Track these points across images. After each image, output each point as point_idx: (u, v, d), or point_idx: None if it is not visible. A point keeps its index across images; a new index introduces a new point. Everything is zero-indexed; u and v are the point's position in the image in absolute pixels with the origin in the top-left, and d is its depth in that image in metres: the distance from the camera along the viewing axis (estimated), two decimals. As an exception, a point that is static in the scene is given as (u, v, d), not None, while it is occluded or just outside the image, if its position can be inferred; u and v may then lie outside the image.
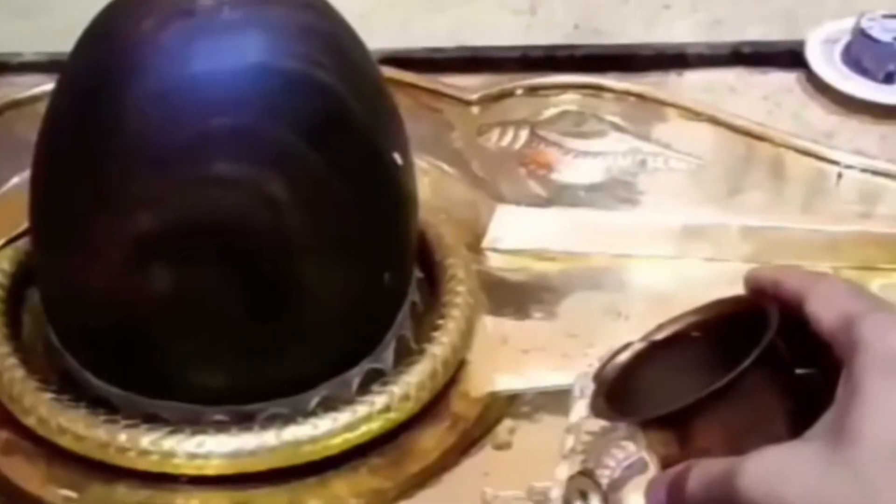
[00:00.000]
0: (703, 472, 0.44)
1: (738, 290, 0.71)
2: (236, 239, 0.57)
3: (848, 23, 0.88)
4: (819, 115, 0.85)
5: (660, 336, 0.53)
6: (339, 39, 0.60)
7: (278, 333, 0.60)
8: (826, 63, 0.87)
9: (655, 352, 0.53)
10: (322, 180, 0.58)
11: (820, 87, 0.86)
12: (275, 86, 0.57)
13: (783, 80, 0.88)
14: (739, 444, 0.45)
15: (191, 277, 0.58)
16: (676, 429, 0.48)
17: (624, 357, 0.53)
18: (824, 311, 0.46)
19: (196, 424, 0.60)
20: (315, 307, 0.60)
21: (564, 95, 0.84)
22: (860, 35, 0.86)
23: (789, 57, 0.88)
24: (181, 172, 0.57)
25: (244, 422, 0.60)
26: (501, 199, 0.76)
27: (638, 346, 0.54)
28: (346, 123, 0.59)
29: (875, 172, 0.79)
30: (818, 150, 0.79)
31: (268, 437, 0.60)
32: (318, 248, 0.59)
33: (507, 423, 0.63)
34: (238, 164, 0.57)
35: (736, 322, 0.51)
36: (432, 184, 0.76)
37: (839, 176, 0.78)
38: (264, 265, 0.58)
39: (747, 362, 0.46)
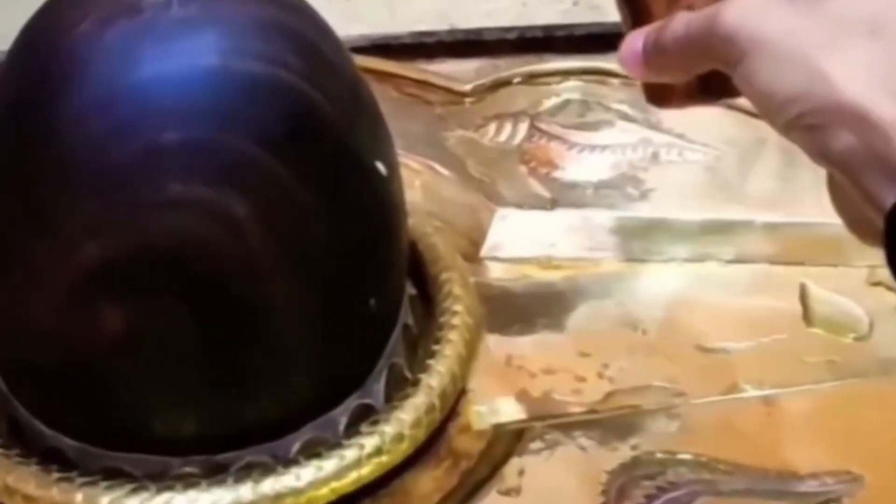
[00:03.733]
0: (685, 16, 0.43)
1: (767, 294, 0.65)
2: (195, 268, 0.51)
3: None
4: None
5: None
6: (307, 36, 0.53)
7: (249, 372, 0.53)
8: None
9: None
10: (292, 198, 0.51)
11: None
12: (234, 91, 0.51)
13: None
14: None
15: (144, 312, 0.51)
16: None
17: None
18: None
19: (162, 479, 0.53)
20: (290, 341, 0.53)
21: (566, 83, 0.78)
22: None
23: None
24: (129, 193, 0.50)
25: (217, 474, 0.54)
26: (500, 201, 0.70)
27: None
28: (318, 131, 0.52)
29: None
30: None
31: (244, 492, 0.53)
32: (290, 274, 0.52)
33: (515, 463, 0.56)
34: (194, 182, 0.50)
35: None
36: (424, 186, 0.70)
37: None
38: (228, 296, 0.52)
39: None
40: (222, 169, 0.50)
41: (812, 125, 0.39)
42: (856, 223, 0.42)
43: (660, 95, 0.48)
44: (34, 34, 0.53)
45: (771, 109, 0.41)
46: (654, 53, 0.44)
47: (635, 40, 0.45)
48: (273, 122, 0.51)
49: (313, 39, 0.54)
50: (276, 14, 0.53)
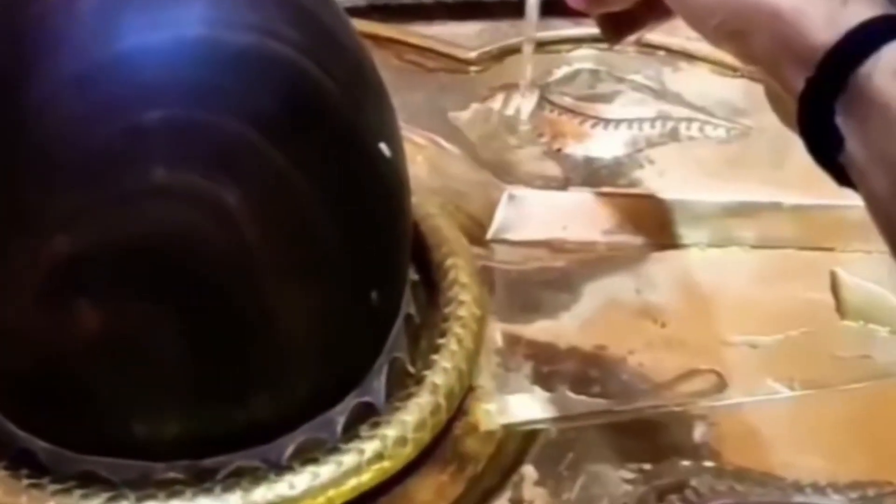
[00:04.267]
0: None
1: (795, 283, 0.61)
2: (180, 261, 0.46)
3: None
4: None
5: None
6: (305, 4, 0.49)
7: (239, 372, 0.49)
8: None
9: None
10: (288, 185, 0.47)
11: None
12: (224, 66, 0.46)
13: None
14: None
15: (125, 309, 0.47)
16: None
17: None
18: None
19: (143, 486, 0.49)
20: (284, 338, 0.49)
21: (578, 51, 0.74)
22: None
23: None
24: (108, 180, 0.45)
25: (203, 481, 0.50)
26: (509, 179, 0.66)
27: None
28: (317, 110, 0.48)
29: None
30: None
31: (232, 501, 0.49)
32: (286, 267, 0.48)
33: (527, 471, 0.52)
34: (180, 167, 0.46)
35: None
36: (427, 163, 0.67)
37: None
38: (217, 292, 0.47)
39: None
40: (211, 152, 0.46)
41: (734, 31, 0.43)
42: (792, 122, 0.44)
43: (612, 29, 0.53)
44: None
45: (698, 20, 0.45)
46: None
47: None
48: (267, 100, 0.46)
49: (312, 8, 0.50)
50: (271, -20, 0.48)
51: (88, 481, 0.50)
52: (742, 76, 0.71)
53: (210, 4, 0.47)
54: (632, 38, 0.53)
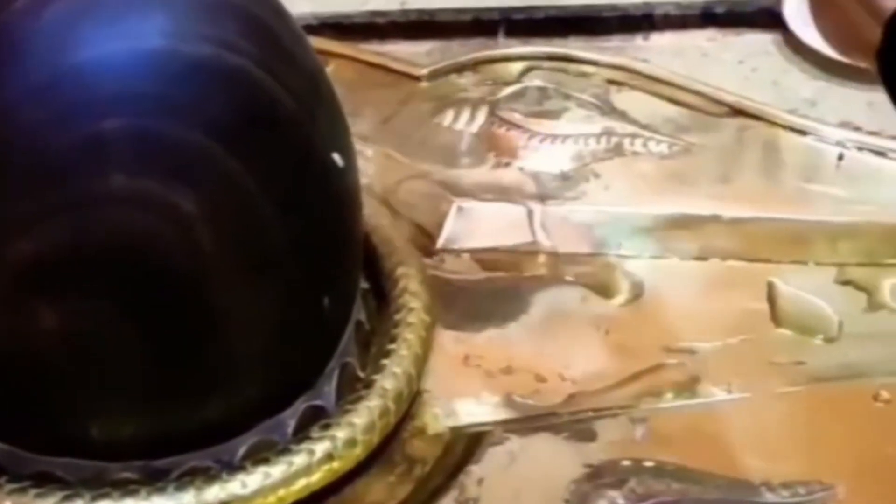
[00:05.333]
0: None
1: (734, 292, 0.63)
2: (137, 266, 0.48)
3: (829, -24, 0.80)
4: (800, 81, 0.77)
5: None
6: (262, 18, 0.51)
7: (193, 374, 0.51)
8: (805, 23, 0.79)
9: None
10: (243, 192, 0.49)
11: (800, 50, 0.78)
12: (180, 76, 0.48)
13: (760, 42, 0.80)
14: None
15: (82, 312, 0.49)
16: None
17: None
18: None
19: (98, 486, 0.51)
20: (237, 341, 0.51)
21: (525, 68, 0.75)
22: None
23: (766, 16, 0.80)
24: (68, 186, 0.47)
25: (157, 480, 0.51)
26: (458, 191, 0.67)
27: None
28: (270, 120, 0.50)
29: (877, 152, 0.69)
30: (815, 127, 0.70)
31: (186, 499, 0.51)
32: (240, 273, 0.50)
33: (473, 471, 0.54)
34: (138, 174, 0.47)
35: None
36: (379, 175, 0.68)
37: (840, 158, 0.69)
38: (173, 296, 0.49)
39: None
40: (168, 160, 0.48)
41: None
42: (839, 39, 0.43)
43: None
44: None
45: None
46: None
47: None
48: (223, 109, 0.48)
49: (268, 22, 0.51)
50: (227, -7, 0.50)
51: (44, 481, 0.51)
52: (684, 95, 0.73)
53: (168, 17, 0.48)
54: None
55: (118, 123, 0.47)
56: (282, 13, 0.52)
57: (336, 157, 0.52)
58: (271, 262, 0.50)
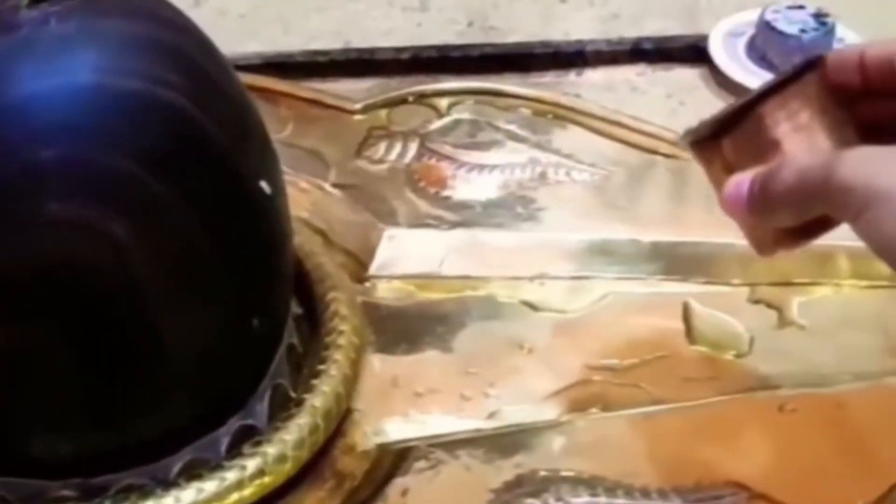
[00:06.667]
0: (797, 165, 0.45)
1: (652, 313, 0.66)
2: (71, 288, 0.50)
3: (752, 15, 0.84)
4: (725, 113, 0.80)
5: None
6: (189, 53, 0.53)
7: (128, 394, 0.52)
8: (730, 58, 0.83)
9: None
10: (172, 217, 0.51)
11: (725, 84, 0.82)
12: (112, 109, 0.50)
13: (687, 76, 0.84)
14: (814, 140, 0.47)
15: (19, 333, 0.50)
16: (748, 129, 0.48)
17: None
18: None
19: (36, 503, 0.52)
20: (169, 361, 0.53)
21: (457, 103, 0.78)
22: (765, 27, 0.82)
23: (692, 52, 0.84)
24: (4, 212, 0.49)
25: (95, 497, 0.53)
26: (389, 220, 0.70)
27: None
28: (199, 149, 0.52)
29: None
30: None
31: (122, 515, 0.52)
32: (171, 295, 0.51)
33: (398, 483, 0.56)
34: (71, 201, 0.49)
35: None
36: (312, 206, 0.70)
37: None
38: (107, 317, 0.51)
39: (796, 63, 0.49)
40: (100, 188, 0.49)
41: None
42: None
43: (765, 242, 0.50)
44: None
45: None
46: (761, 199, 0.46)
47: (740, 185, 0.47)
48: (152, 140, 0.50)
49: (196, 57, 0.53)
50: (157, 32, 0.52)
51: (-16, 499, 0.53)
52: (606, 126, 0.76)
53: (100, 54, 0.50)
54: (782, 250, 0.50)
55: (52, 153, 0.49)
56: (209, 50, 0.54)
57: (264, 184, 0.54)
58: (200, 284, 0.52)
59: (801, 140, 0.48)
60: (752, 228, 0.50)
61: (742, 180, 0.47)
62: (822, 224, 0.47)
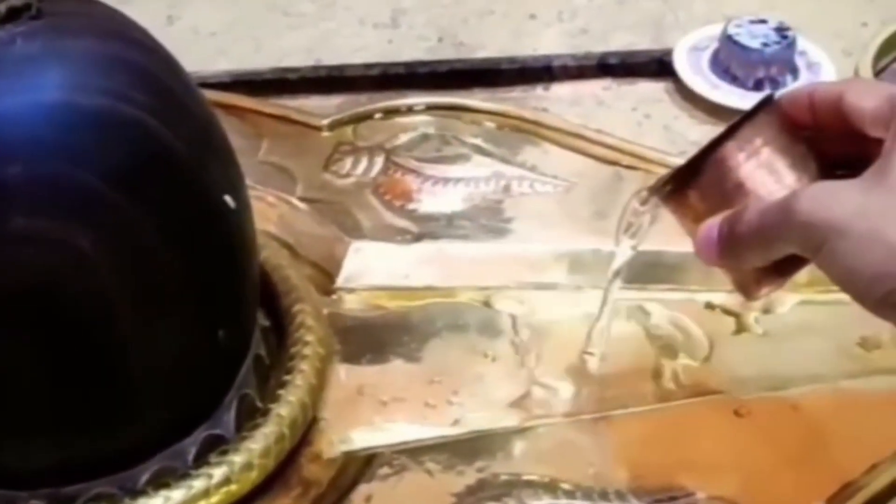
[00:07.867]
0: (758, 205, 0.47)
1: (614, 319, 0.67)
2: (40, 301, 0.51)
3: (715, 29, 0.85)
4: (689, 126, 0.82)
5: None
6: (153, 71, 0.54)
7: (96, 405, 0.53)
8: (694, 72, 0.85)
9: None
10: (138, 231, 0.52)
11: (689, 97, 0.84)
12: (77, 126, 0.51)
13: (652, 90, 0.85)
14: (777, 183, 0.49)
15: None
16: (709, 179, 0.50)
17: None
18: (864, 98, 0.48)
19: (7, 513, 0.53)
20: (137, 372, 0.54)
21: (423, 118, 0.80)
22: (728, 42, 0.84)
23: (657, 66, 0.86)
24: (-28, 229, 0.50)
25: (64, 505, 0.53)
26: (356, 233, 0.71)
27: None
28: (163, 165, 0.53)
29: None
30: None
31: (90, 524, 0.53)
32: (138, 307, 0.52)
33: (363, 489, 0.57)
34: (37, 217, 0.50)
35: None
36: (279, 219, 0.71)
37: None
38: (75, 330, 0.52)
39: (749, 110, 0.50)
40: (66, 203, 0.50)
41: None
42: None
43: (748, 285, 0.51)
44: None
45: (859, 290, 0.44)
46: (730, 242, 0.48)
47: (710, 230, 0.48)
48: (117, 156, 0.51)
49: (161, 76, 0.55)
50: (123, 51, 0.54)
51: (-46, 509, 0.54)
52: (570, 140, 0.77)
53: (65, 72, 0.51)
54: (765, 291, 0.51)
55: (19, 169, 0.50)
56: (174, 68, 0.55)
57: (228, 198, 0.55)
58: (166, 298, 0.53)
59: (764, 176, 0.49)
60: (734, 273, 0.51)
61: (711, 225, 0.49)
62: (798, 259, 0.48)
